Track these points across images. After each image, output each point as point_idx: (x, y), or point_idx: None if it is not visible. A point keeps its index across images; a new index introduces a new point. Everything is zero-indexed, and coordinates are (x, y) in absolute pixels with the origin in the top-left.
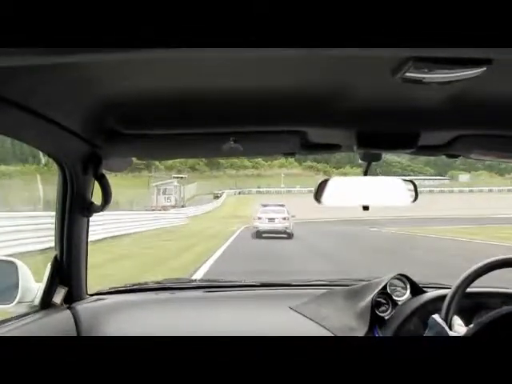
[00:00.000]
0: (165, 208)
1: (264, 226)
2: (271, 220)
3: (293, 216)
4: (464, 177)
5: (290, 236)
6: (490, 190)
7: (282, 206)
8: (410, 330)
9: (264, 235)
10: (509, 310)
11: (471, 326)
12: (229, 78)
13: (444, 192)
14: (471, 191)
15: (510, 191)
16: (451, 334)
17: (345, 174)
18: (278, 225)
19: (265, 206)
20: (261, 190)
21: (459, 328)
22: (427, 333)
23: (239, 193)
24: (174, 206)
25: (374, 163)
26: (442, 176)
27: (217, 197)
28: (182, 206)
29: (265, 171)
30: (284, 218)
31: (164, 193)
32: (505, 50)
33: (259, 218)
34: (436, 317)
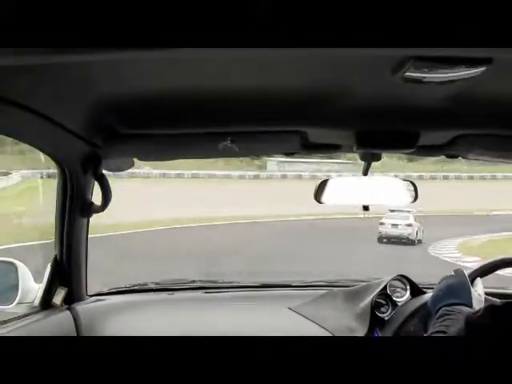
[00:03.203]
0: None
1: (386, 231)
2: (394, 226)
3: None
4: None
5: (413, 243)
6: (494, 177)
7: (408, 211)
8: (409, 330)
9: (385, 241)
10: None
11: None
12: (229, 78)
13: (436, 179)
14: (471, 178)
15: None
16: (472, 291)
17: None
18: (401, 231)
19: (392, 211)
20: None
21: (480, 290)
22: (445, 277)
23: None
24: None
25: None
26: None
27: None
28: None
29: None
30: (408, 225)
31: None
32: (505, 49)
33: (382, 224)
34: (464, 271)
